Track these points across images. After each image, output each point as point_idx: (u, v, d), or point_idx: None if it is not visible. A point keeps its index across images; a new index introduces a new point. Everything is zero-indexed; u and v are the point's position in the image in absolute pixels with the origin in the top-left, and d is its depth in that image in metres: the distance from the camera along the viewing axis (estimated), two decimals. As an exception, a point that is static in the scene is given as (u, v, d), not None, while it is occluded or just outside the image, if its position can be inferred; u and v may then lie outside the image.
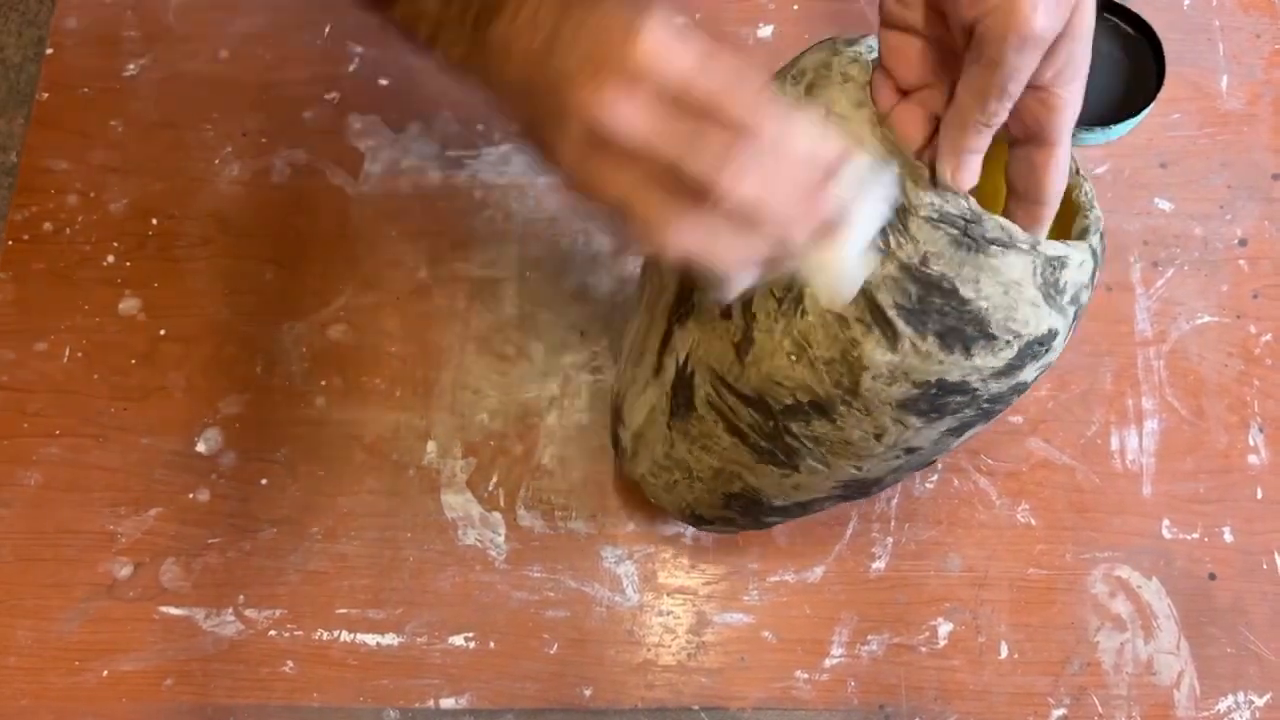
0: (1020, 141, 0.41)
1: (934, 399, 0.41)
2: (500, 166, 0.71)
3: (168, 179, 0.71)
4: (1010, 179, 0.42)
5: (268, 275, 0.69)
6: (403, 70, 0.73)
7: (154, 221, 0.70)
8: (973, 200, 0.40)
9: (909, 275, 0.39)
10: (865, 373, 0.40)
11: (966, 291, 0.39)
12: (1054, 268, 0.40)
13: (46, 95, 0.73)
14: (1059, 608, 0.62)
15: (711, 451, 0.48)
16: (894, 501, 0.64)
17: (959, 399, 0.42)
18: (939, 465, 0.64)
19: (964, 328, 0.39)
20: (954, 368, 0.40)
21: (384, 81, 0.73)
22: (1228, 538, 0.63)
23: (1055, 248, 0.41)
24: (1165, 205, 0.70)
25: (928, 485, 0.64)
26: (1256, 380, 0.66)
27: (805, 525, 0.63)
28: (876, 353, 0.40)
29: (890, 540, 0.63)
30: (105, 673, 0.61)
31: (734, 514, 0.53)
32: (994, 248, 0.39)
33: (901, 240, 0.39)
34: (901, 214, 0.39)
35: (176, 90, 0.74)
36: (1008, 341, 0.40)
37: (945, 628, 0.61)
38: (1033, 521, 0.63)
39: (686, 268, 0.37)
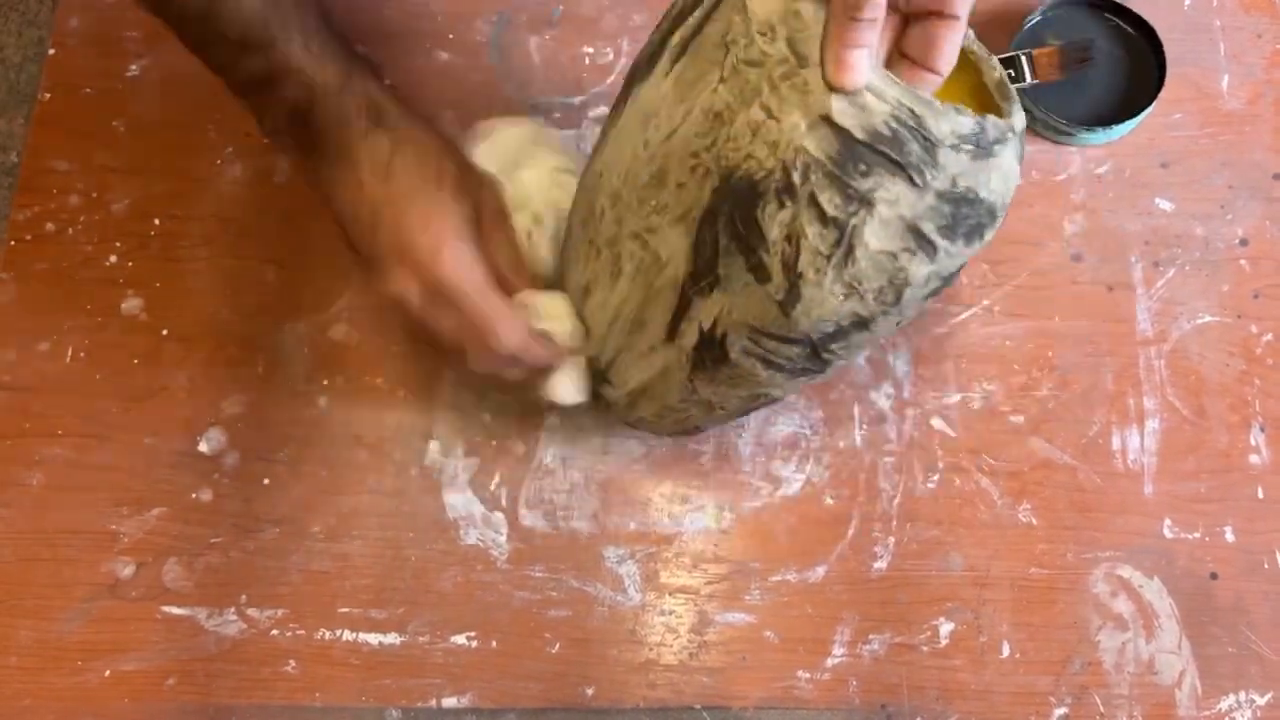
0: (920, 16, 0.43)
1: (951, 278, 0.46)
2: (502, 166, 0.71)
3: (170, 179, 0.71)
4: (905, 48, 0.44)
5: (270, 275, 0.69)
6: (404, 71, 0.73)
7: (156, 222, 0.71)
8: (972, 114, 0.42)
9: (943, 199, 0.42)
10: (908, 288, 0.44)
11: (983, 193, 0.43)
12: (1020, 138, 0.45)
13: (49, 95, 0.73)
14: (1060, 607, 0.62)
15: (744, 385, 0.51)
16: (895, 501, 0.64)
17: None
18: (940, 465, 0.64)
19: (982, 220, 0.44)
20: (971, 252, 0.45)
21: (385, 83, 0.73)
22: (1229, 537, 0.63)
23: (1019, 119, 0.45)
24: (1166, 205, 0.70)
25: (929, 485, 0.64)
26: (1257, 380, 0.66)
27: (806, 525, 0.63)
28: (919, 269, 0.44)
29: (892, 540, 0.63)
30: (107, 673, 0.61)
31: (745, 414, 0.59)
32: (996, 146, 0.43)
33: (934, 172, 0.41)
34: (929, 148, 0.41)
35: (179, 90, 0.74)
36: (1003, 214, 0.45)
37: (947, 627, 0.62)
38: (1034, 521, 0.63)
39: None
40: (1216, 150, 0.71)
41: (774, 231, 0.43)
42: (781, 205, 0.42)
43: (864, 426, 0.65)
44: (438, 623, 0.62)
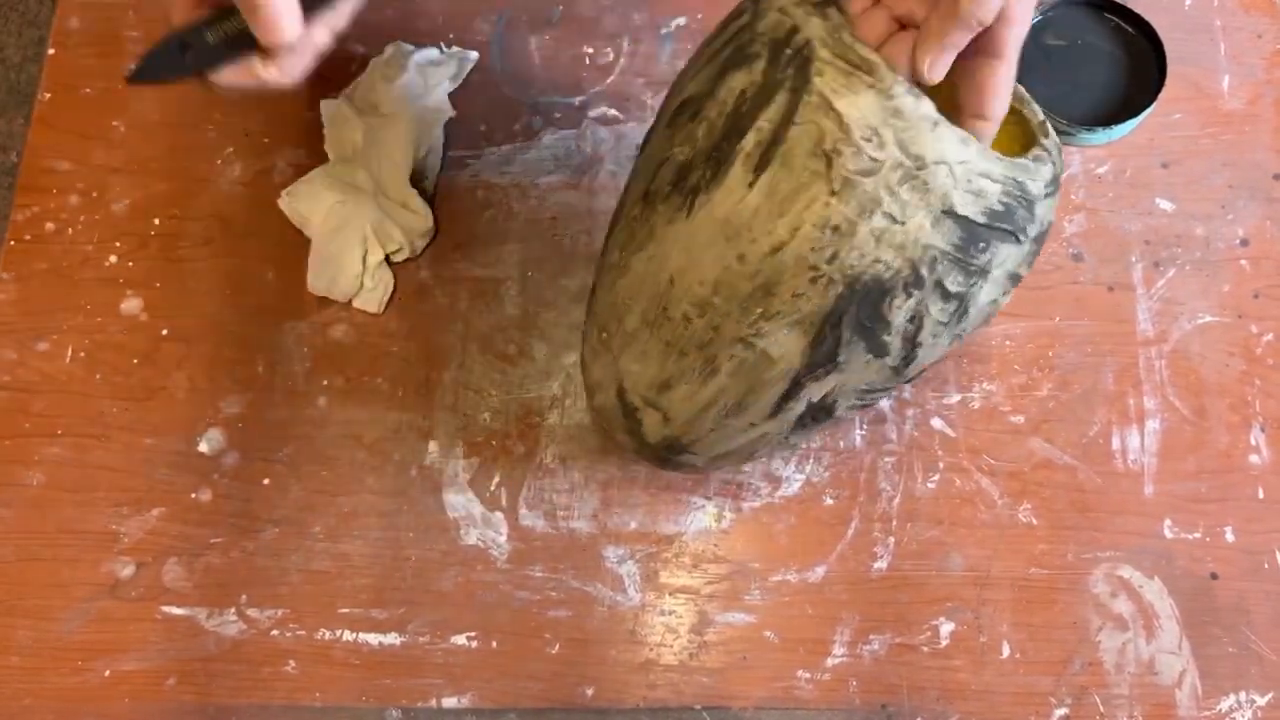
0: (968, 55, 0.42)
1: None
2: (502, 166, 0.71)
3: (170, 179, 0.71)
4: (959, 96, 0.44)
5: (270, 275, 0.69)
6: (404, 70, 0.73)
7: (156, 222, 0.71)
8: (1046, 159, 0.44)
9: (1036, 242, 0.45)
10: (994, 314, 0.47)
11: (1051, 217, 0.46)
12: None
13: (48, 95, 0.73)
14: (1061, 607, 0.62)
15: (834, 426, 0.54)
16: (895, 501, 0.64)
17: None
18: (940, 465, 0.64)
19: (1046, 239, 0.47)
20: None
21: None
22: (1229, 537, 0.63)
23: (1053, 143, 0.46)
24: (1167, 205, 0.70)
25: (929, 485, 0.64)
26: (1258, 380, 0.66)
27: (807, 525, 0.63)
28: (1005, 300, 0.46)
29: (892, 540, 0.63)
30: (107, 672, 0.61)
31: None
32: (1060, 177, 0.46)
33: (1033, 226, 0.44)
34: (1029, 207, 0.43)
35: (178, 90, 0.74)
36: None
37: (947, 627, 0.62)
38: (1034, 521, 0.63)
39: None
40: (1217, 150, 0.71)
41: (899, 318, 0.43)
42: (909, 296, 0.43)
43: (864, 426, 0.65)
44: (438, 623, 0.62)
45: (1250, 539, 0.63)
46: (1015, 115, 0.49)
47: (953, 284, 0.43)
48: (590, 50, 0.75)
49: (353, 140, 0.69)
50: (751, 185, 0.42)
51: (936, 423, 0.65)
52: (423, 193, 0.68)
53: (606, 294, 0.52)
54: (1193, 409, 0.65)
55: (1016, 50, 0.42)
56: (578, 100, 0.73)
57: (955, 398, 0.66)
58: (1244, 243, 0.69)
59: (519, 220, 0.70)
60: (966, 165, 0.41)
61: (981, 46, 0.42)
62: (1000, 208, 0.42)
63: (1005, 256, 0.43)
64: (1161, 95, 0.70)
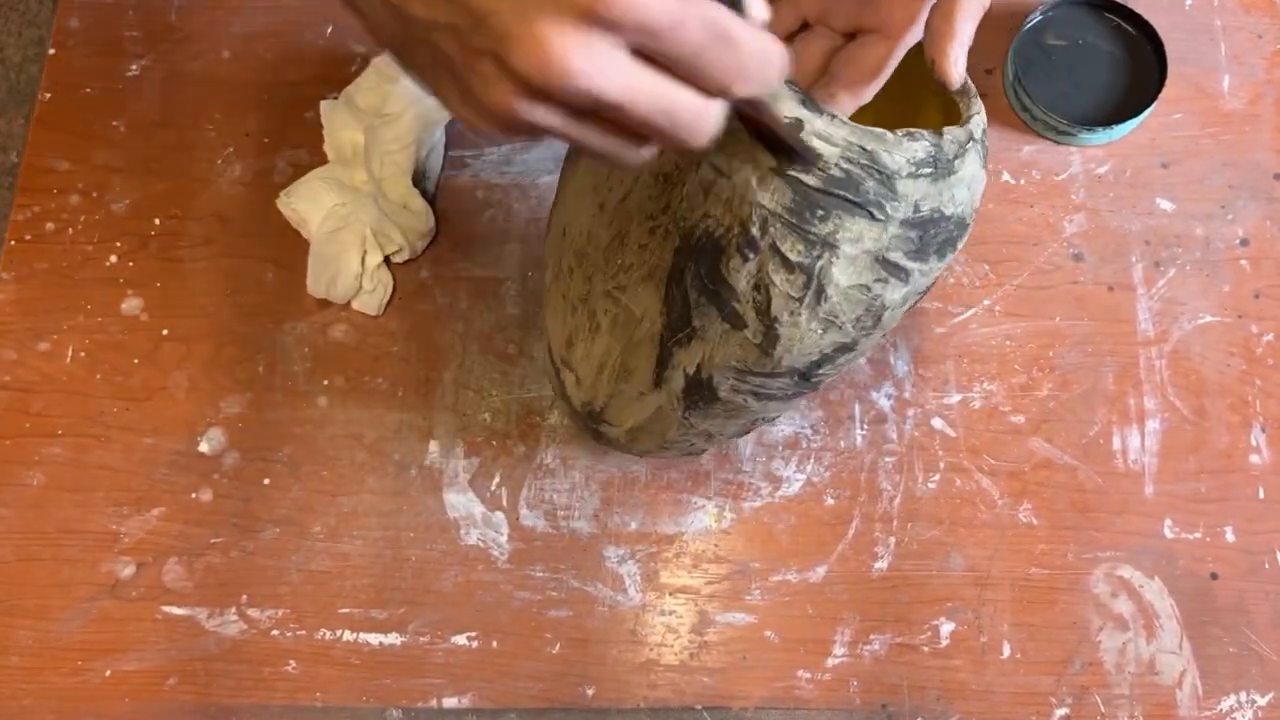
0: (853, 34, 0.44)
1: (929, 289, 0.46)
2: (502, 166, 0.71)
3: (170, 179, 0.71)
4: (834, 69, 0.45)
5: (270, 275, 0.69)
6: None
7: (156, 221, 0.71)
8: (929, 132, 0.42)
9: (908, 225, 0.42)
10: (885, 310, 0.44)
11: (948, 209, 0.43)
12: (982, 141, 0.45)
13: (49, 95, 0.73)
14: (1061, 607, 0.62)
15: (738, 416, 0.51)
16: (896, 501, 0.64)
17: None
18: (940, 465, 0.64)
19: (952, 234, 0.44)
20: (945, 265, 0.45)
21: None
22: (1230, 537, 0.63)
23: (978, 121, 0.44)
24: (1167, 205, 0.70)
25: (929, 485, 0.64)
26: (1258, 380, 0.66)
27: (807, 525, 0.63)
28: (894, 293, 0.43)
29: (892, 540, 0.63)
30: (108, 673, 0.61)
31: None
32: (956, 161, 0.42)
33: (894, 204, 0.41)
34: (885, 181, 0.41)
35: (179, 90, 0.74)
36: (973, 219, 0.45)
37: (947, 627, 0.62)
38: (1034, 521, 0.63)
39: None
40: (1217, 150, 0.71)
41: (742, 283, 0.43)
42: (745, 259, 0.42)
43: (864, 426, 0.65)
44: (438, 623, 0.62)
45: (1250, 539, 0.63)
46: (951, 107, 0.47)
47: (792, 252, 0.41)
48: (590, 50, 0.74)
49: (352, 141, 0.69)
50: None
51: (937, 422, 0.65)
52: (424, 193, 0.68)
53: (545, 253, 0.54)
54: (1193, 409, 0.65)
55: (911, 33, 0.42)
56: (578, 100, 0.73)
57: (955, 397, 0.66)
58: (1244, 243, 0.69)
59: (519, 220, 0.70)
60: (799, 123, 0.40)
61: (868, 25, 0.43)
62: (840, 174, 0.40)
63: (856, 232, 0.41)
64: (1162, 95, 0.70)
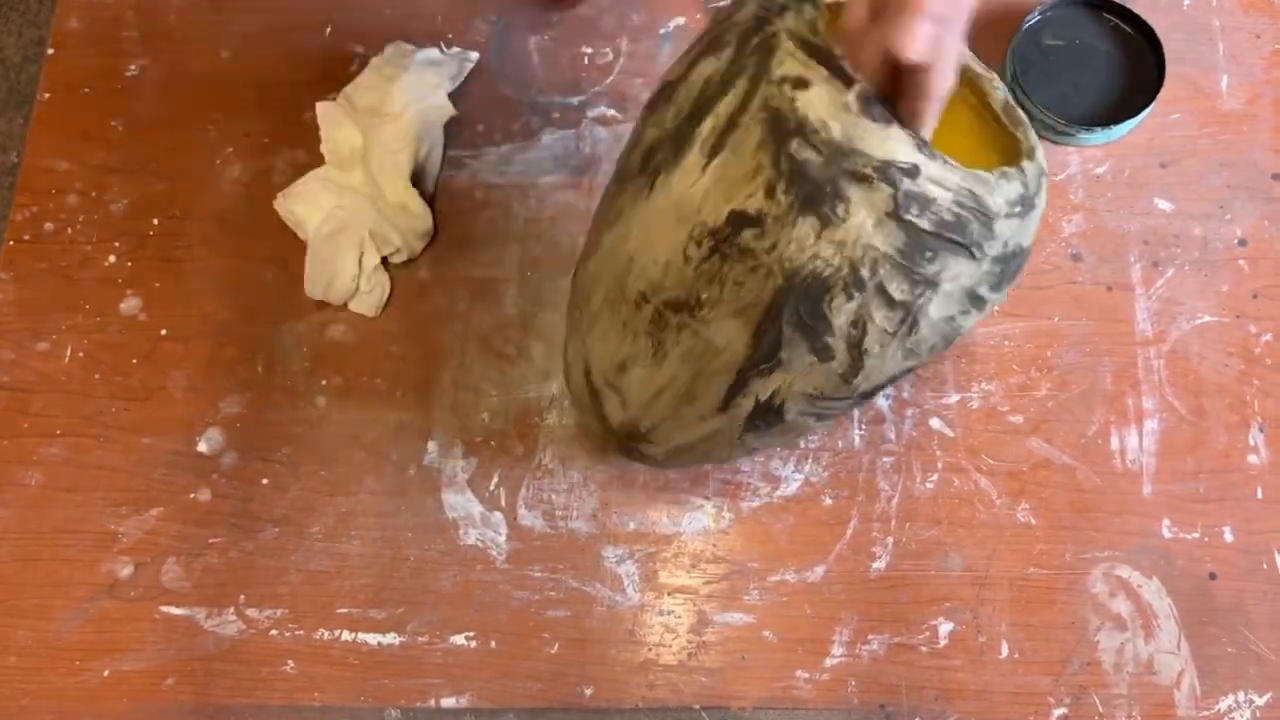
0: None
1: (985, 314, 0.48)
2: (501, 166, 0.71)
3: (169, 179, 0.71)
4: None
5: (268, 275, 0.69)
6: (403, 70, 0.73)
7: (155, 222, 0.71)
8: (1017, 170, 0.44)
9: (996, 261, 0.44)
10: (958, 335, 0.46)
11: (1025, 242, 0.45)
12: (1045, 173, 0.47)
13: (48, 95, 0.74)
14: (1059, 607, 0.62)
15: (791, 433, 0.52)
16: (894, 501, 0.64)
17: None
18: (939, 465, 0.64)
19: (1021, 264, 0.46)
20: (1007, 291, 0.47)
21: None
22: (1228, 537, 0.63)
23: (1040, 152, 0.46)
24: (1165, 205, 0.70)
25: (928, 485, 0.64)
26: (1256, 380, 0.66)
27: (805, 525, 0.63)
28: (970, 321, 0.46)
29: (891, 540, 0.63)
30: (106, 672, 0.61)
31: None
32: (1036, 196, 0.45)
33: (991, 243, 0.43)
34: (987, 223, 0.42)
35: (178, 90, 0.74)
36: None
37: (945, 627, 0.62)
38: (1033, 521, 0.63)
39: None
40: (1215, 150, 0.71)
41: (840, 320, 0.43)
42: (850, 298, 0.42)
43: (863, 426, 0.65)
44: (436, 622, 0.62)
45: (1249, 539, 0.63)
46: (1008, 135, 0.48)
47: (897, 291, 0.42)
48: (589, 50, 0.75)
49: (349, 143, 0.69)
50: (704, 169, 0.43)
51: (935, 422, 0.65)
52: (422, 193, 0.68)
53: (581, 271, 0.53)
54: (1191, 409, 0.65)
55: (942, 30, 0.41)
56: (577, 100, 0.73)
57: (954, 397, 0.66)
58: (1242, 243, 0.69)
59: (518, 220, 0.70)
60: (917, 169, 0.40)
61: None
62: (950, 218, 0.41)
63: (958, 271, 0.43)
64: (1160, 95, 0.70)
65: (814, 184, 0.40)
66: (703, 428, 0.51)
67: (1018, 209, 0.43)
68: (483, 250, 0.69)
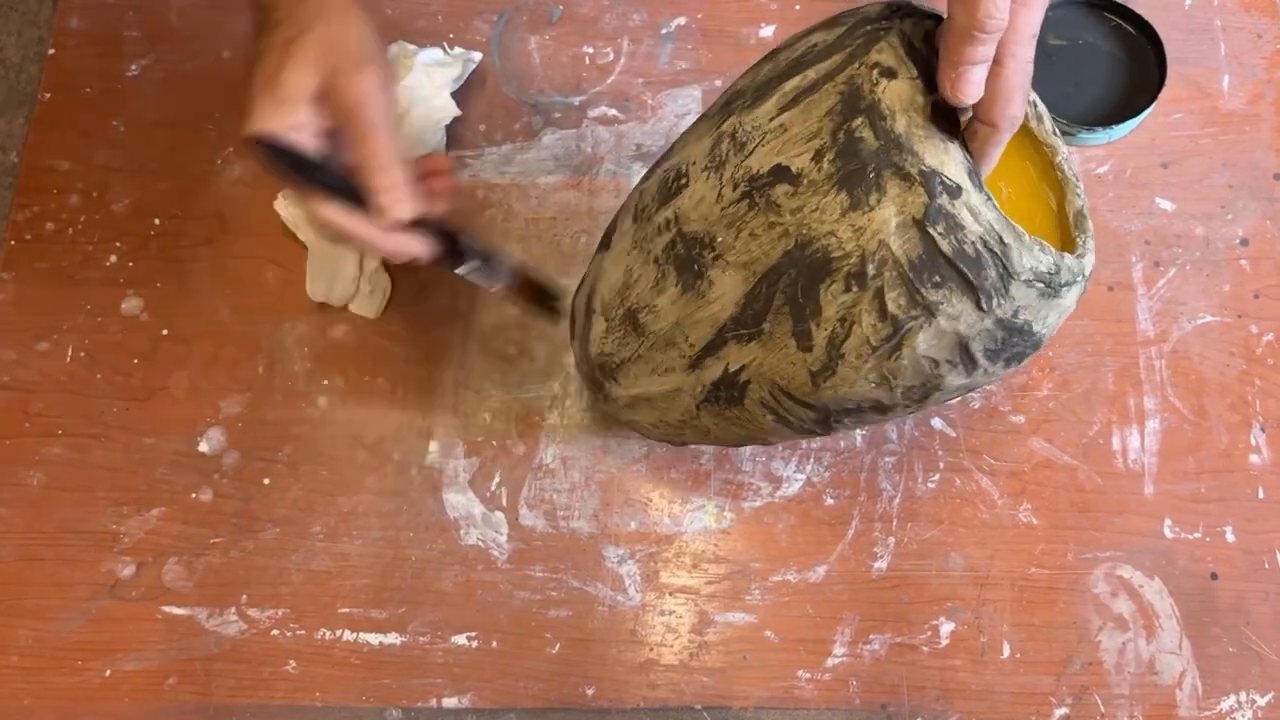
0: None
1: (975, 389, 0.48)
2: (502, 166, 0.71)
3: (170, 179, 0.71)
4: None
5: (270, 275, 0.69)
6: (404, 70, 0.73)
7: (156, 221, 0.71)
8: (1055, 250, 0.43)
9: (1000, 326, 0.43)
10: (937, 391, 0.46)
11: (1038, 327, 0.45)
12: (1087, 280, 0.46)
13: (49, 95, 0.74)
14: (1061, 607, 0.62)
15: (745, 427, 0.51)
16: (896, 501, 0.64)
17: None
18: (940, 465, 0.64)
19: (1026, 350, 0.46)
20: (1004, 374, 0.47)
21: None
22: (1230, 537, 0.63)
23: (1090, 260, 0.46)
24: (1167, 205, 0.70)
25: (929, 485, 0.64)
26: (1258, 380, 0.66)
27: (807, 525, 0.63)
28: (954, 379, 0.45)
29: (892, 540, 0.63)
30: (107, 672, 0.61)
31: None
32: (1064, 289, 0.44)
33: (1002, 301, 0.42)
34: (1005, 278, 0.42)
35: (179, 90, 0.74)
36: (1044, 345, 0.47)
37: (947, 627, 0.62)
38: (1034, 521, 0.63)
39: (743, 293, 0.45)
40: (1217, 150, 0.71)
41: (830, 309, 0.43)
42: (847, 289, 0.42)
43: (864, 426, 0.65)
44: (438, 623, 0.62)
45: (1250, 539, 0.63)
46: (1068, 235, 0.48)
47: (893, 303, 0.42)
48: (590, 50, 0.75)
49: None
50: (773, 119, 0.44)
51: (937, 422, 0.65)
52: None
53: (641, 185, 0.53)
54: (1193, 409, 0.65)
55: (1015, 52, 0.41)
56: (578, 100, 0.73)
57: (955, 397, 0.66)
58: (1244, 242, 0.69)
59: (519, 220, 0.70)
60: (959, 189, 0.41)
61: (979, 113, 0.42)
62: (972, 252, 0.41)
63: (959, 311, 0.42)
64: (1161, 95, 0.70)
65: (859, 163, 0.41)
66: (667, 380, 0.51)
67: (1040, 284, 0.43)
68: (484, 250, 0.69)
